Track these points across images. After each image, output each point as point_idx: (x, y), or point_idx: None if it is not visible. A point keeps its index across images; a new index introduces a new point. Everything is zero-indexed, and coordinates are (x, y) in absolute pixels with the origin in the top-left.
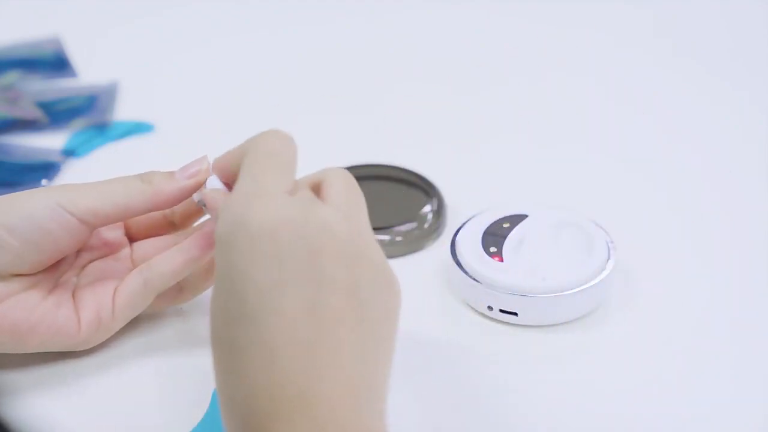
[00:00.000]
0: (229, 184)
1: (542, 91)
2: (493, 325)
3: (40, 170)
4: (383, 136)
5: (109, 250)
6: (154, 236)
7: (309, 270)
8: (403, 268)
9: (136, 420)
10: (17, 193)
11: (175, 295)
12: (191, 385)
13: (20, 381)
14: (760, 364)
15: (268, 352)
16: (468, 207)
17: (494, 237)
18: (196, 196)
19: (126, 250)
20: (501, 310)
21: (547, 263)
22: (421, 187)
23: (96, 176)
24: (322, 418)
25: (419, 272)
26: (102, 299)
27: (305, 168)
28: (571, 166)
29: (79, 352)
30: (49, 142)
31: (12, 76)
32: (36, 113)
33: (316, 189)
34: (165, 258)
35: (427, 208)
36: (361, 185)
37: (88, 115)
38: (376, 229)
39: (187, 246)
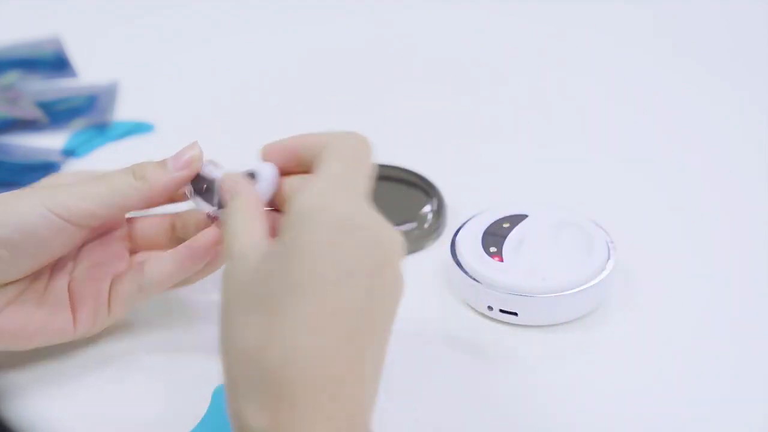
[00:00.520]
0: (282, 169)
1: (542, 91)
2: (493, 325)
3: (40, 170)
4: (383, 136)
5: (104, 230)
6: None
7: (371, 277)
8: (403, 268)
9: (136, 420)
10: (3, 195)
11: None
12: (191, 385)
13: (20, 381)
14: (760, 364)
15: (321, 326)
16: (468, 207)
17: (494, 237)
18: (207, 209)
19: (123, 229)
20: (501, 310)
21: (547, 263)
22: (421, 187)
23: None
24: (343, 410)
25: (419, 272)
26: (98, 295)
27: None
28: (571, 166)
29: (79, 352)
30: (49, 142)
31: (12, 76)
32: (36, 113)
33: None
34: (160, 263)
35: (427, 208)
36: None
37: (88, 115)
38: None
39: (183, 254)
